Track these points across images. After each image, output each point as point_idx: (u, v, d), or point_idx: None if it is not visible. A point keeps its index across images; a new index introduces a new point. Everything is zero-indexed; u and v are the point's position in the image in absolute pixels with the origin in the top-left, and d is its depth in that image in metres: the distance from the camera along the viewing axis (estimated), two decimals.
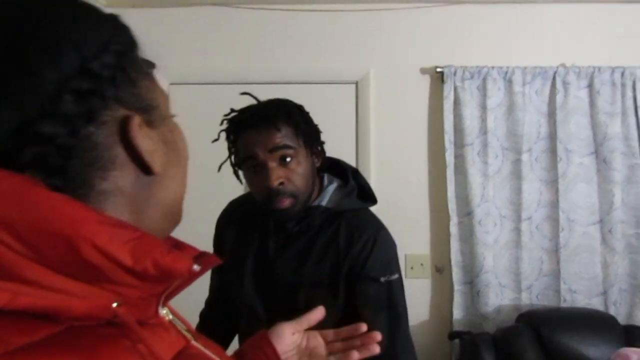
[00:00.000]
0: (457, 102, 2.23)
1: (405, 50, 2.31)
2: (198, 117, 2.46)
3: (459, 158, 2.24)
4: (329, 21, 2.32)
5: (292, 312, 0.90)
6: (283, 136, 1.07)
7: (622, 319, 2.12)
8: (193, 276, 0.44)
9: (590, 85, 2.23)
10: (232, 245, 1.25)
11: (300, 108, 1.16)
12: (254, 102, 1.16)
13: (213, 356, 0.47)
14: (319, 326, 0.86)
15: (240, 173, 1.17)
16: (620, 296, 2.20)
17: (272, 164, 1.07)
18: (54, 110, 0.36)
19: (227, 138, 1.14)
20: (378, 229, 1.18)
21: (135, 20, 0.46)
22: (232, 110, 1.14)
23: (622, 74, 2.21)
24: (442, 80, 2.24)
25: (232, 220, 1.28)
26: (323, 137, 1.22)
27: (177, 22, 2.32)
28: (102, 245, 0.35)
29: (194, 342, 0.46)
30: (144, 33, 0.46)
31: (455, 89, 2.23)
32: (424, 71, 2.31)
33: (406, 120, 2.31)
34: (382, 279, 1.12)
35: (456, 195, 2.24)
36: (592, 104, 2.23)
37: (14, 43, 0.36)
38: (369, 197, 1.23)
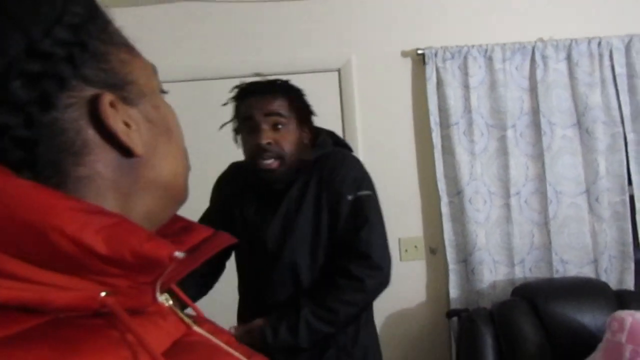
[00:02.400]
0: (439, 83, 2.24)
1: (385, 35, 2.31)
2: (179, 115, 2.44)
3: (446, 138, 2.25)
4: (308, 10, 2.30)
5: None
6: (278, 105, 1.25)
7: (613, 285, 2.17)
8: (196, 259, 0.42)
9: (569, 58, 2.25)
10: (233, 205, 1.37)
11: (299, 90, 1.33)
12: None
13: (217, 342, 0.44)
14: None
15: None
16: (610, 263, 2.25)
17: (265, 126, 1.23)
18: (0, 100, 0.33)
19: (234, 104, 1.32)
20: (344, 154, 1.35)
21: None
22: (242, 82, 1.33)
23: (599, 44, 2.24)
24: (424, 62, 2.25)
25: (234, 181, 1.42)
26: None
27: (154, 19, 2.28)
28: (72, 234, 0.33)
29: (195, 328, 0.43)
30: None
31: (437, 70, 2.24)
32: (405, 54, 2.31)
33: (391, 105, 2.32)
34: (349, 197, 1.25)
35: (445, 175, 2.26)
36: (572, 76, 2.25)
37: None
38: (343, 146, 1.41)
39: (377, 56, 2.30)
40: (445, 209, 2.25)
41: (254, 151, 1.24)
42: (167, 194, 0.44)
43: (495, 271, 2.25)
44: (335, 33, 2.30)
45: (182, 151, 0.46)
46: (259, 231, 1.30)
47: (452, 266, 2.25)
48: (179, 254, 0.37)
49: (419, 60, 2.28)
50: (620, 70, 2.24)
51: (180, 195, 0.46)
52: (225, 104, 1.33)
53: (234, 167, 1.45)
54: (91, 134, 0.37)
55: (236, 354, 0.44)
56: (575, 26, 2.30)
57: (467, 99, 2.24)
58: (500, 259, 2.26)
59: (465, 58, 2.23)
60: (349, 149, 1.42)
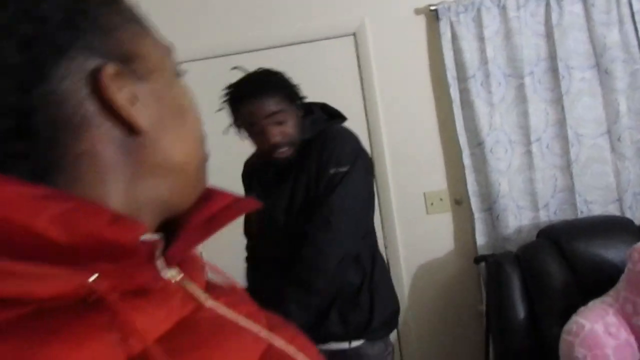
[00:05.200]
0: (454, 37, 2.27)
1: None
2: (195, 94, 2.51)
3: (464, 91, 2.29)
4: None
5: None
6: (275, 104, 1.32)
7: (638, 221, 2.21)
8: (215, 225, 0.40)
9: None
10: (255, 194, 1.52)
11: (281, 74, 1.39)
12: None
13: (231, 317, 0.41)
14: None
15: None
16: (634, 200, 2.29)
17: (269, 127, 1.32)
18: None
19: (230, 108, 1.39)
20: (336, 128, 1.42)
21: None
22: (230, 85, 1.38)
23: None
24: (437, 18, 2.27)
25: (249, 176, 1.59)
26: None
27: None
28: (21, 222, 0.30)
29: (210, 304, 0.40)
30: None
31: (451, 24, 2.26)
32: (418, 12, 2.33)
33: (407, 63, 2.36)
34: (331, 171, 1.33)
35: (465, 128, 2.31)
36: (588, 17, 2.24)
37: None
38: (337, 116, 1.48)
39: (390, 16, 2.33)
40: (467, 160, 2.32)
41: (268, 149, 1.37)
42: (180, 178, 0.40)
43: (520, 216, 2.32)
44: None
45: (196, 135, 0.43)
46: (267, 205, 1.43)
47: (477, 215, 2.34)
48: (148, 237, 0.34)
49: (433, 16, 2.30)
50: (639, 6, 2.21)
51: (196, 181, 0.43)
52: (219, 110, 1.39)
53: (247, 165, 1.63)
54: (91, 107, 0.35)
55: (254, 327, 0.41)
56: None
57: (482, 50, 2.26)
58: (524, 204, 2.33)
59: (479, 10, 2.24)
60: (343, 118, 1.49)
